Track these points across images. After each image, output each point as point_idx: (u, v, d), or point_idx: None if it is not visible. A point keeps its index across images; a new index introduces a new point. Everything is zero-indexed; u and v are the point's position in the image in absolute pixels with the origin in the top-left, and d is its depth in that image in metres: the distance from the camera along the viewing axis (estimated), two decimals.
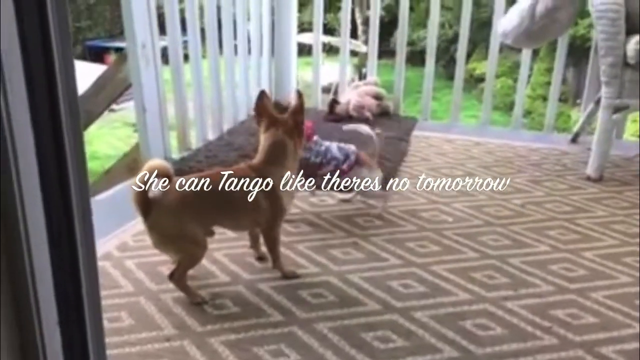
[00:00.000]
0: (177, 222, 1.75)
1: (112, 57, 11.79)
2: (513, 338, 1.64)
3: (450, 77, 4.45)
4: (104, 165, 7.56)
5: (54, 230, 0.88)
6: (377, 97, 4.04)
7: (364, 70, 8.94)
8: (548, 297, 1.87)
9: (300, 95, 1.93)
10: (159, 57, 2.86)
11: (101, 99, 3.26)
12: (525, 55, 3.86)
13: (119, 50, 10.99)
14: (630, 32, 2.83)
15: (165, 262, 1.98)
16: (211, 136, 3.44)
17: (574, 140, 3.65)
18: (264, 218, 1.87)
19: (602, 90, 2.96)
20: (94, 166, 7.68)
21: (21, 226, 0.82)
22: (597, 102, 3.37)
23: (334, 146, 2.39)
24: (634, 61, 2.79)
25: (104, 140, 10.05)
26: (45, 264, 0.88)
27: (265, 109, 1.94)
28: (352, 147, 2.42)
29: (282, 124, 1.92)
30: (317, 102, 4.34)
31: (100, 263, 1.97)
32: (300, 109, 1.92)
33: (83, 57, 11.99)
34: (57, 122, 0.83)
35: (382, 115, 4.00)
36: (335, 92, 4.61)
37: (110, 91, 3.14)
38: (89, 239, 0.93)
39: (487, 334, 1.65)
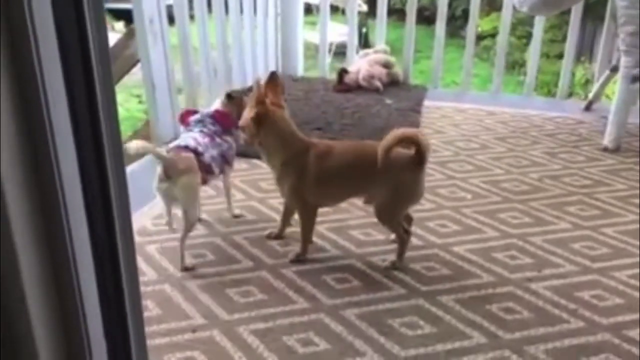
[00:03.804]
0: None
1: (107, 20, 11.54)
2: (540, 322, 1.64)
3: (451, 34, 4.35)
4: None
5: (98, 249, 0.87)
6: (387, 65, 3.97)
7: (363, 30, 8.78)
8: (572, 277, 1.87)
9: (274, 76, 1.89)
10: (167, 33, 2.79)
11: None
12: (538, 23, 3.76)
13: (112, 12, 10.76)
14: None
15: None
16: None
17: (588, 108, 3.60)
18: None
19: (621, 60, 2.90)
20: None
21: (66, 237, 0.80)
22: (612, 70, 3.32)
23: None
24: None
25: None
26: (91, 280, 0.87)
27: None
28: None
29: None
30: (324, 70, 4.27)
31: None
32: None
33: None
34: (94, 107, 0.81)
35: (392, 84, 3.94)
36: (335, 54, 4.48)
37: (118, 68, 3.07)
38: (130, 256, 0.92)
39: (514, 318, 1.66)
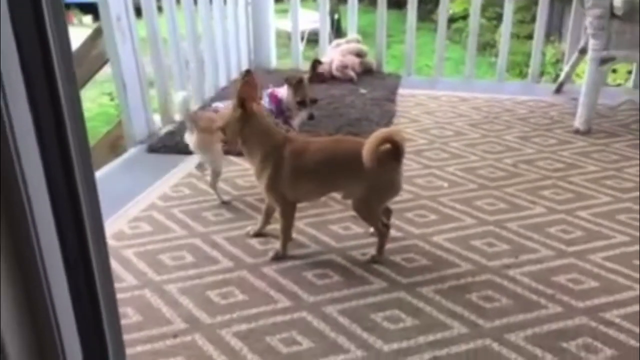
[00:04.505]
0: None
1: (73, 15, 11.27)
2: (519, 308, 1.67)
3: (421, 18, 4.37)
4: None
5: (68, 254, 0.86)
6: (360, 54, 3.97)
7: (335, 16, 8.74)
8: (548, 262, 1.90)
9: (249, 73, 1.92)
10: (135, 30, 2.74)
11: (77, 78, 3.12)
12: (508, 5, 3.79)
13: (79, 5, 10.49)
14: None
15: (165, 250, 1.96)
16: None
17: (558, 90, 3.65)
18: None
19: (589, 42, 2.94)
20: None
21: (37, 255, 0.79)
22: (581, 51, 3.36)
23: None
24: (620, 12, 2.76)
25: None
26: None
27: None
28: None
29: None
30: (298, 60, 4.24)
31: None
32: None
33: None
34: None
35: (366, 73, 3.94)
36: (307, 41, 4.50)
37: (86, 69, 3.00)
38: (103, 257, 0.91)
39: (493, 306, 1.68)
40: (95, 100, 8.43)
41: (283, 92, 2.39)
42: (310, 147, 1.87)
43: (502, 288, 1.76)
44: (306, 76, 2.37)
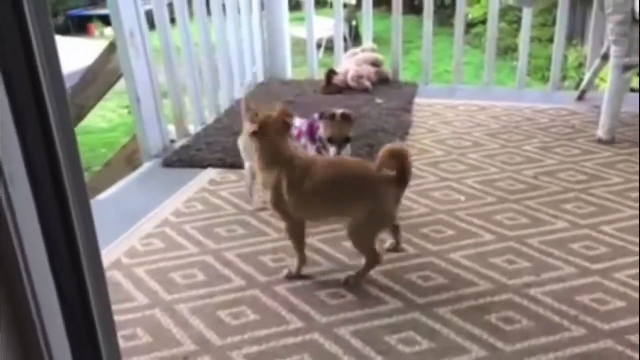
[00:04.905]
0: None
1: (95, 27, 11.42)
2: (541, 331, 1.60)
3: (441, 23, 4.30)
4: (99, 140, 7.44)
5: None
6: (376, 64, 3.92)
7: (353, 23, 8.71)
8: (572, 280, 1.82)
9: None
10: (149, 45, 2.74)
11: (92, 92, 3.14)
12: (527, 13, 3.71)
13: (101, 18, 10.62)
14: None
15: (177, 268, 1.94)
16: (209, 117, 3.34)
17: (581, 98, 3.55)
18: None
19: (611, 49, 2.85)
20: (87, 140, 7.55)
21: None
22: (603, 58, 3.27)
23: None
24: None
25: (96, 113, 9.83)
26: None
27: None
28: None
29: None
30: (313, 70, 4.21)
31: (109, 273, 1.91)
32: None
33: (66, 29, 11.60)
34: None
35: (382, 82, 3.90)
36: (325, 49, 4.45)
37: (102, 84, 3.02)
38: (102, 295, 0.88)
39: (514, 328, 1.62)
40: (116, 111, 8.53)
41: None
42: (314, 166, 1.83)
43: (523, 309, 1.70)
44: (339, 112, 2.20)
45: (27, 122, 0.75)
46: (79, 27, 11.98)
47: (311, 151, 2.26)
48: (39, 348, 0.78)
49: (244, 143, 2.21)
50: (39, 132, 0.77)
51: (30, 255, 0.75)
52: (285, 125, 1.82)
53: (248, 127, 1.87)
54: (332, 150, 2.18)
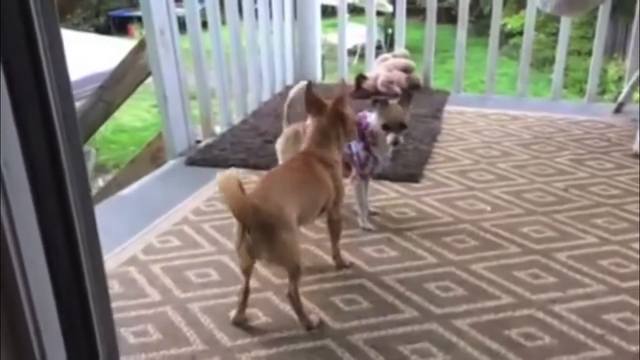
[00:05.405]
0: None
1: (135, 28, 11.63)
2: (563, 349, 1.52)
3: (479, 33, 4.22)
4: (131, 138, 7.55)
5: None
6: (406, 69, 3.86)
7: (389, 31, 8.66)
8: (599, 298, 1.74)
9: (343, 83, 1.87)
10: (178, 43, 2.75)
11: (121, 88, 3.17)
12: (565, 21, 3.61)
13: (140, 19, 10.82)
14: None
15: (192, 266, 1.92)
16: (236, 119, 3.34)
17: (618, 110, 3.43)
18: (331, 200, 1.83)
19: None
20: (121, 139, 7.67)
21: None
22: None
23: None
24: None
25: (130, 112, 9.94)
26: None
27: (314, 98, 1.88)
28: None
29: (326, 111, 1.86)
30: (343, 75, 4.17)
31: (125, 268, 1.91)
32: (342, 98, 1.86)
33: (108, 29, 11.87)
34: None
35: (412, 88, 3.83)
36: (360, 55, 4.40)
37: (131, 80, 3.04)
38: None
39: (535, 345, 1.54)
40: (150, 111, 8.65)
41: (372, 117, 2.12)
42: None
43: (545, 325, 1.62)
44: (394, 101, 2.12)
45: (27, 114, 0.74)
46: (120, 27, 12.23)
47: (359, 149, 2.16)
48: (31, 351, 0.76)
49: (282, 145, 2.16)
50: (39, 122, 0.75)
51: (26, 254, 0.73)
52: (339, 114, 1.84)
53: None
54: (389, 137, 2.06)
